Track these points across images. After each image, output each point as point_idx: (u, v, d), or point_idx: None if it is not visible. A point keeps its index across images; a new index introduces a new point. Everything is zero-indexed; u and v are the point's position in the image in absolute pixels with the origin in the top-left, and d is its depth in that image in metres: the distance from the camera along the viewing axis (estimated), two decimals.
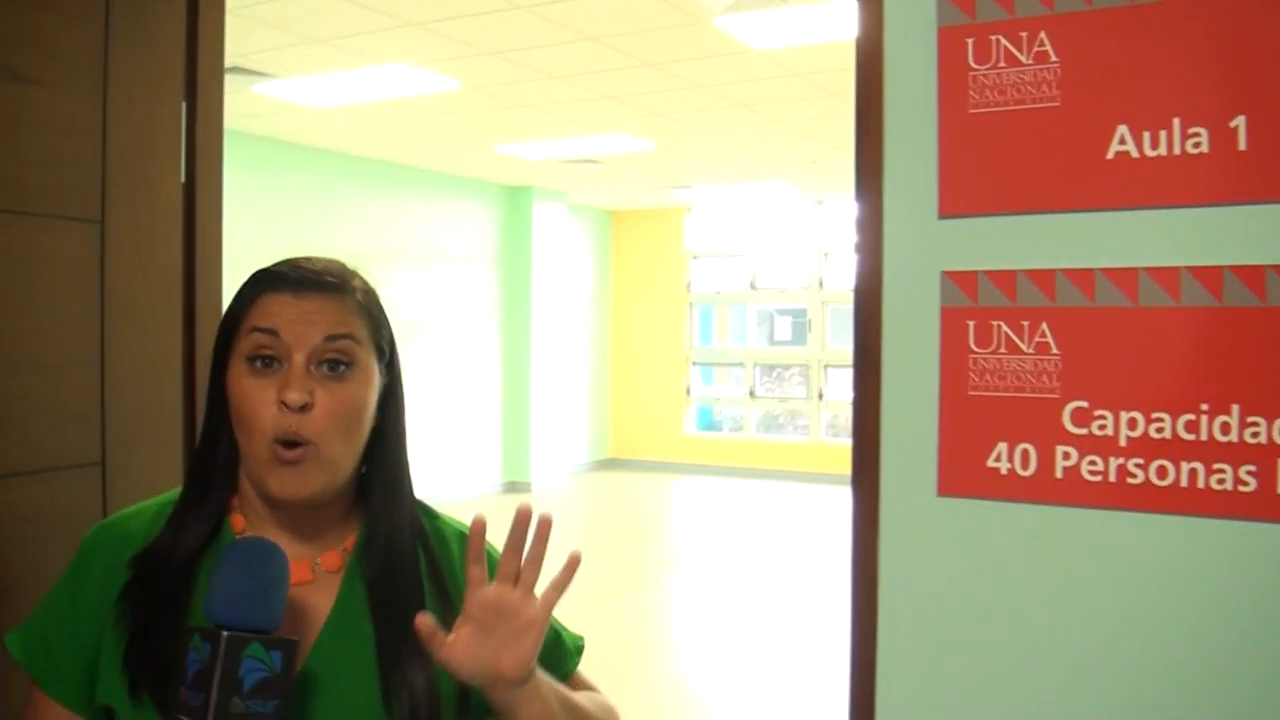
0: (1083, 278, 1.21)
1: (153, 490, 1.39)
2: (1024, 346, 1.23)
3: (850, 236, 1.35)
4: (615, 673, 5.99)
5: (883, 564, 1.29)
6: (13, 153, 1.48)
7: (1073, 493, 1.22)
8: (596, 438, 14.32)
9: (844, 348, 13.72)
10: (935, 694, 1.30)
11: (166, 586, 1.20)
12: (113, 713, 1.19)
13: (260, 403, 1.19)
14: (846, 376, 13.74)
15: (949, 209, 1.25)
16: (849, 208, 12.55)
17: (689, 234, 14.11)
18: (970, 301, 1.24)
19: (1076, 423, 1.21)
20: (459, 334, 11.65)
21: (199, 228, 1.82)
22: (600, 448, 14.39)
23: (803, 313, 14.09)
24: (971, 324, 1.24)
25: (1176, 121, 1.19)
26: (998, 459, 1.24)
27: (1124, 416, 1.20)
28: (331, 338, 1.25)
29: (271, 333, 1.22)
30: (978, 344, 1.24)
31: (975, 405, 1.24)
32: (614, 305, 14.56)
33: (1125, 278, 1.20)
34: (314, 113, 8.25)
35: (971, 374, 1.24)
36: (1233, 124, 1.16)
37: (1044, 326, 1.23)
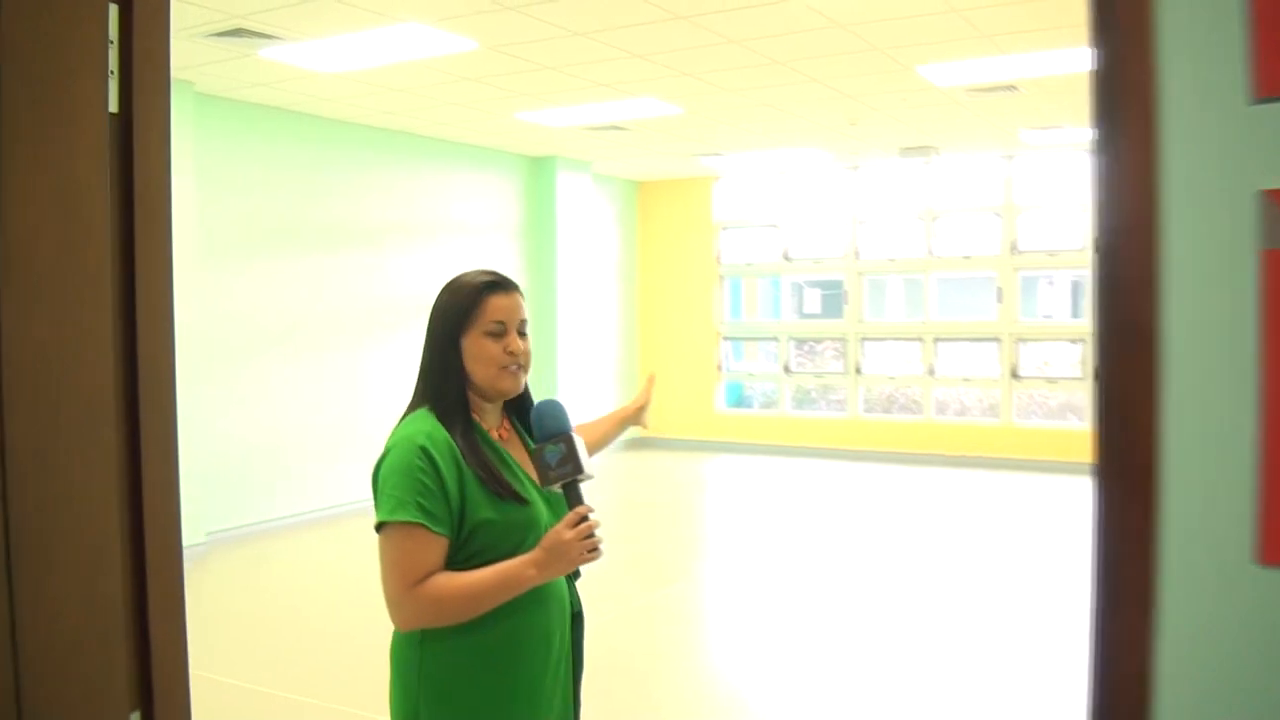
0: None
1: (80, 484, 1.31)
2: None
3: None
4: (653, 672, 5.58)
5: (1163, 661, 0.80)
6: None
7: None
8: None
9: (882, 320, 13.25)
10: None
11: (479, 447, 2.22)
12: (481, 524, 2.16)
13: (496, 350, 2.25)
14: (884, 350, 13.47)
15: (1271, 88, 0.77)
16: (886, 171, 12.07)
17: (718, 204, 13.62)
18: None
19: None
20: None
21: (138, 172, 1.37)
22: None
23: (834, 284, 13.61)
24: None
25: None
26: None
27: None
28: (522, 321, 2.32)
29: (501, 322, 2.27)
30: None
31: None
32: (641, 279, 14.10)
33: None
34: (325, 79, 7.80)
35: None
36: None
37: None
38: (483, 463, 2.20)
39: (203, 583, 7.38)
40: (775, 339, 13.51)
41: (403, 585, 2.11)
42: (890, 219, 12.71)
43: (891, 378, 13.02)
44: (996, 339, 12.09)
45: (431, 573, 2.12)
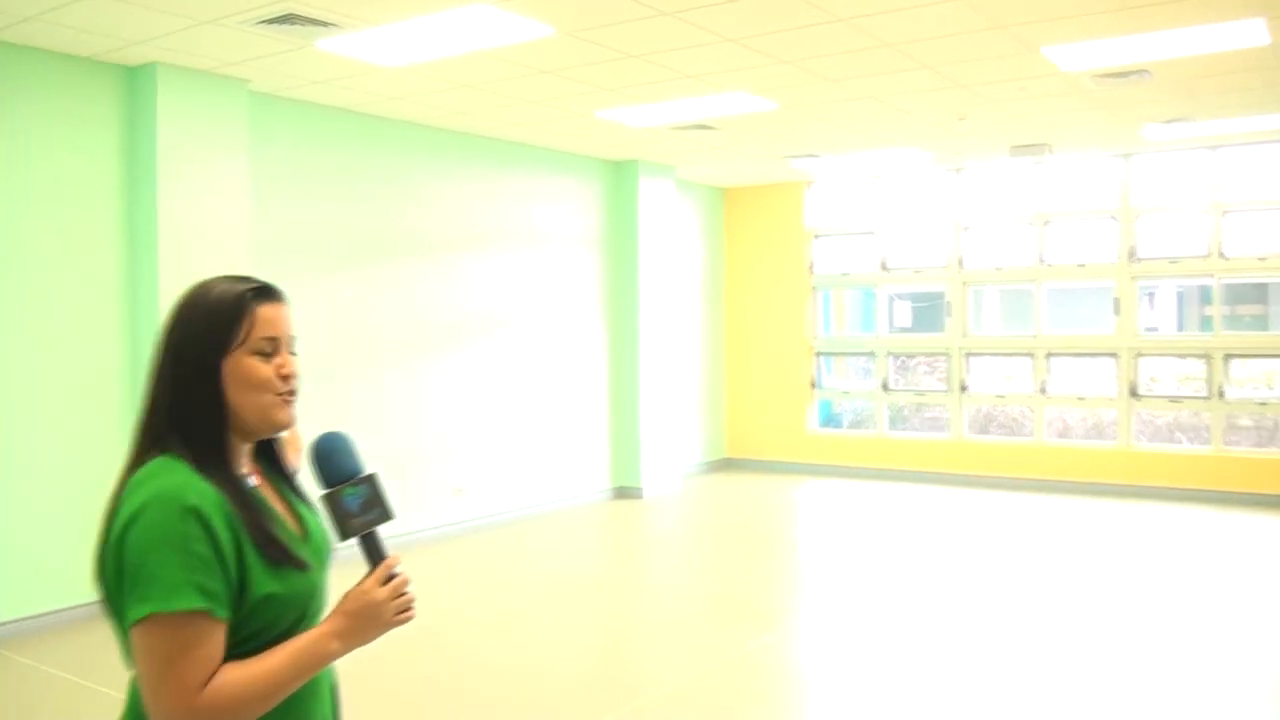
0: None
1: None
2: None
3: None
4: None
5: None
6: None
7: None
8: (711, 436, 13.12)
9: (987, 334, 12.33)
10: None
11: (252, 505, 1.79)
12: (263, 600, 1.73)
13: (268, 374, 1.82)
14: (991, 366, 12.52)
15: None
16: (993, 173, 11.18)
17: (810, 210, 12.80)
18: None
19: None
20: (560, 324, 10.56)
21: None
22: (716, 447, 13.19)
23: (926, 296, 12.75)
24: None
25: None
26: None
27: None
28: (292, 338, 1.90)
29: (273, 338, 1.84)
30: None
31: None
32: (728, 291, 13.34)
33: None
34: (389, 75, 7.18)
35: None
36: None
37: None
38: (259, 524, 1.78)
39: None
40: (872, 354, 12.64)
41: (188, 692, 1.63)
42: (997, 225, 11.81)
43: (1000, 396, 12.08)
44: (1114, 354, 11.14)
45: (217, 669, 1.67)
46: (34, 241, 6.47)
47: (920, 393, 12.79)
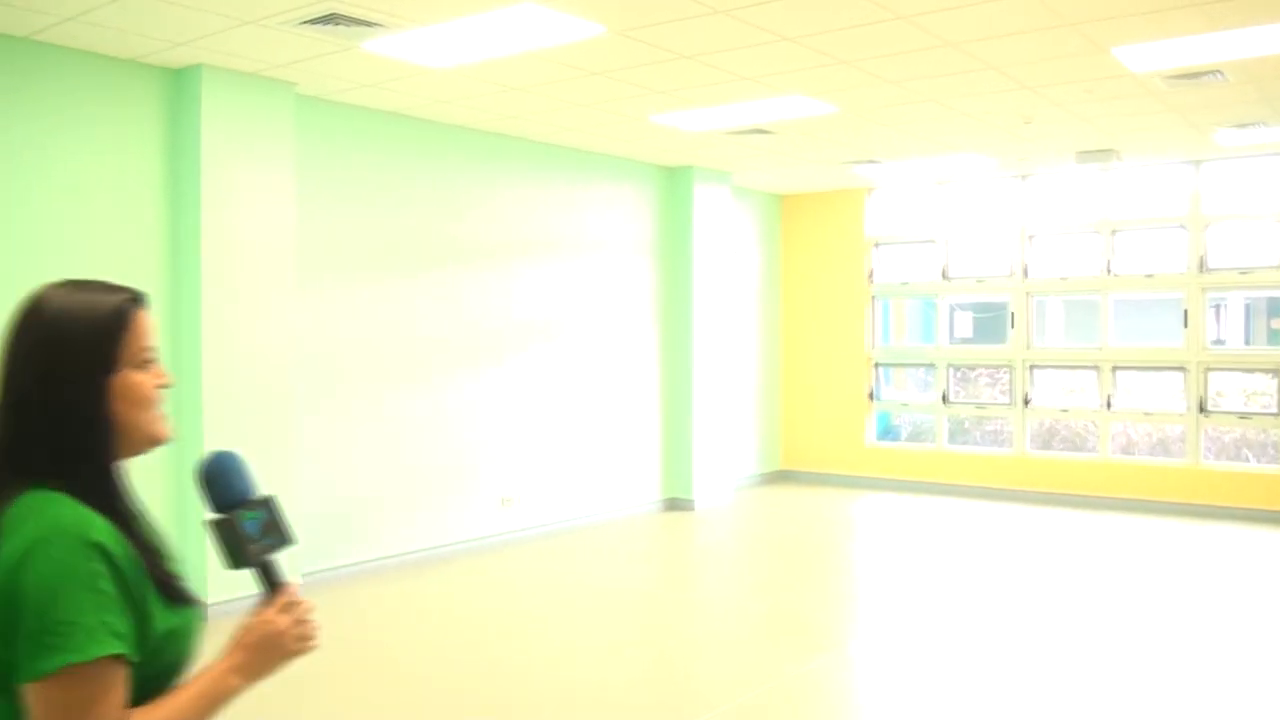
0: None
1: None
2: None
3: None
4: None
5: None
6: None
7: None
8: (766, 448, 12.87)
9: (1051, 346, 12.00)
10: None
11: (147, 541, 1.67)
12: (165, 637, 1.61)
13: (150, 387, 1.69)
14: (1055, 379, 12.19)
15: None
16: (1059, 180, 10.83)
17: (870, 218, 12.52)
18: None
19: None
20: (611, 332, 10.37)
21: None
22: (770, 459, 12.93)
23: (986, 307, 12.42)
24: None
25: None
26: None
27: None
28: None
29: (151, 347, 1.71)
30: None
31: None
32: (784, 299, 13.09)
33: None
34: (436, 77, 7.05)
35: None
36: None
37: None
38: (156, 561, 1.67)
39: None
40: (932, 365, 12.33)
41: None
42: (1062, 233, 11.46)
43: (1064, 410, 11.71)
44: (1182, 368, 10.76)
45: (125, 717, 1.55)
46: (75, 246, 6.39)
47: (981, 406, 12.44)
